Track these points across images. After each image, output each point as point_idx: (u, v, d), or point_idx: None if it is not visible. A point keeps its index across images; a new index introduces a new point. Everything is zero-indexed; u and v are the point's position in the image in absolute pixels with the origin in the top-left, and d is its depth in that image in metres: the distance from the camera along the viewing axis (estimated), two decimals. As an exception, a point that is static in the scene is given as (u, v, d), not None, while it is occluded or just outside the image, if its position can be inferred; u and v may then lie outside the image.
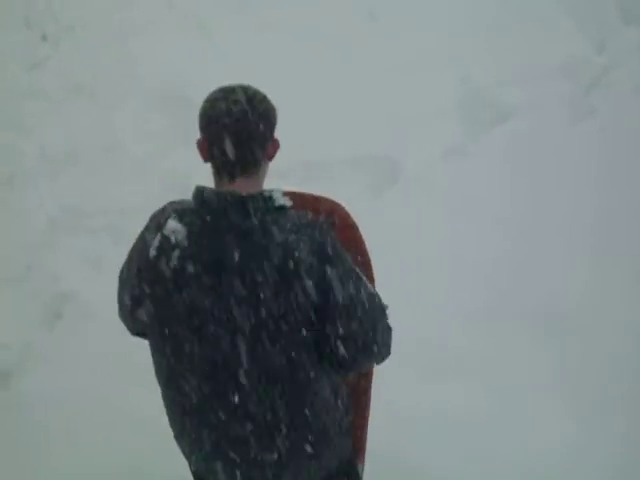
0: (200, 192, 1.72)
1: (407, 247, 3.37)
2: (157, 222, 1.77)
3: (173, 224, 1.72)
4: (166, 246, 1.71)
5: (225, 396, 1.75)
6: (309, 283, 1.66)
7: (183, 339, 1.73)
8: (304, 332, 1.69)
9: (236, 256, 1.66)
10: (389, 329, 1.82)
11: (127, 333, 1.96)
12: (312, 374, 1.76)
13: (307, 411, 1.78)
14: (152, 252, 1.73)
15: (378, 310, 1.78)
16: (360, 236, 2.09)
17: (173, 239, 1.71)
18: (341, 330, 1.70)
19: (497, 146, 3.92)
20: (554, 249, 3.39)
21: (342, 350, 1.72)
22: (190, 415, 1.82)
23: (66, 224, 3.84)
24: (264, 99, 1.73)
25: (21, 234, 3.78)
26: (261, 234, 1.66)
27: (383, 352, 1.82)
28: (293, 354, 1.71)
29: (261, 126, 1.70)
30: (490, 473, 2.64)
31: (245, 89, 1.72)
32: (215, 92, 1.73)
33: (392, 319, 1.83)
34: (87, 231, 3.71)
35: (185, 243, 1.69)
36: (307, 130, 3.58)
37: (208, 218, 1.69)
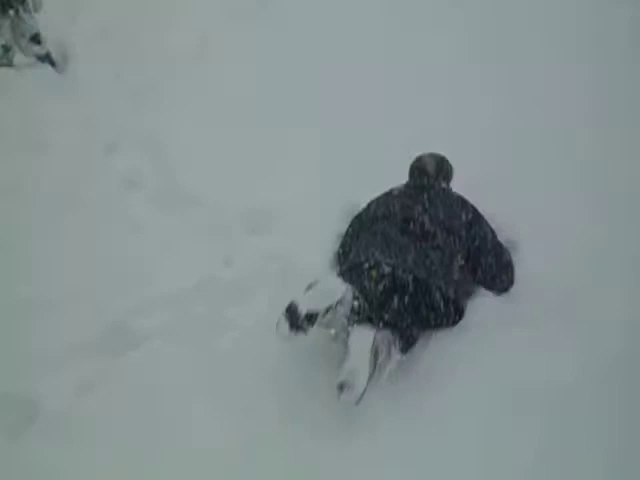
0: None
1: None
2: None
3: (394, 188, 3.51)
4: (382, 198, 3.48)
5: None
6: (470, 223, 3.31)
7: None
8: (459, 250, 3.25)
9: (423, 202, 3.34)
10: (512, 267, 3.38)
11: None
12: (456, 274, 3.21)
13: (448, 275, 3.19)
14: (363, 205, 3.52)
15: (506, 252, 3.38)
16: None
17: (393, 192, 3.47)
18: (485, 261, 3.29)
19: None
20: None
21: (482, 274, 3.31)
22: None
23: None
24: (444, 161, 3.61)
25: None
26: (436, 194, 3.40)
27: (506, 283, 3.33)
28: (448, 258, 3.21)
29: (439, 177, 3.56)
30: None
31: (435, 157, 3.60)
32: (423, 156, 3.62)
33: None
34: None
35: (396, 193, 3.46)
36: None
37: (411, 188, 3.47)
